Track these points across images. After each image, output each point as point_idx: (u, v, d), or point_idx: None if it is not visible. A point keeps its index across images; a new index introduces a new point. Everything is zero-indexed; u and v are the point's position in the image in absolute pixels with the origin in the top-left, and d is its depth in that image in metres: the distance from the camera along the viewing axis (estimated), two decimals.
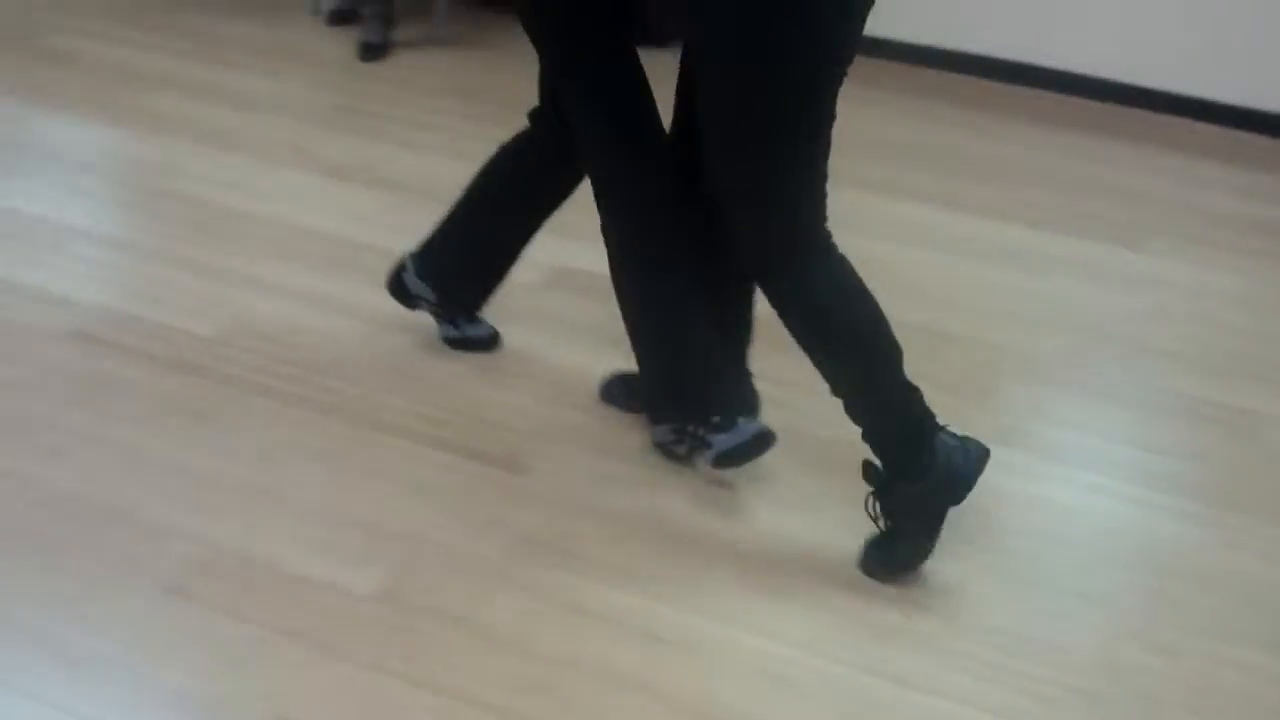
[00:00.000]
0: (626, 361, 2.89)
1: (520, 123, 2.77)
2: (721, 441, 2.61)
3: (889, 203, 4.04)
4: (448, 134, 4.13)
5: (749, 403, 2.75)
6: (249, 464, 2.63)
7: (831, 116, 2.29)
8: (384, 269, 3.03)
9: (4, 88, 4.32)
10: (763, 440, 2.63)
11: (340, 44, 4.92)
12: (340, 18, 5.16)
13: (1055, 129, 4.78)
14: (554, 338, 3.13)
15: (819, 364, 2.46)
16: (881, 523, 2.48)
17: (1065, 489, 2.79)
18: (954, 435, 2.45)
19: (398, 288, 3.02)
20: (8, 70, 4.48)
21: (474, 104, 4.34)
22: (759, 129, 2.25)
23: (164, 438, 2.69)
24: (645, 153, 2.55)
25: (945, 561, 2.52)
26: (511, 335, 3.10)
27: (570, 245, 3.30)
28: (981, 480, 2.50)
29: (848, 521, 2.57)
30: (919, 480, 2.42)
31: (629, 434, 2.81)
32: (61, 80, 4.43)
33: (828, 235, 2.42)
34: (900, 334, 3.11)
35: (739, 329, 2.76)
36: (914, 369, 3.07)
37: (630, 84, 2.52)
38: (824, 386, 2.46)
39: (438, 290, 2.98)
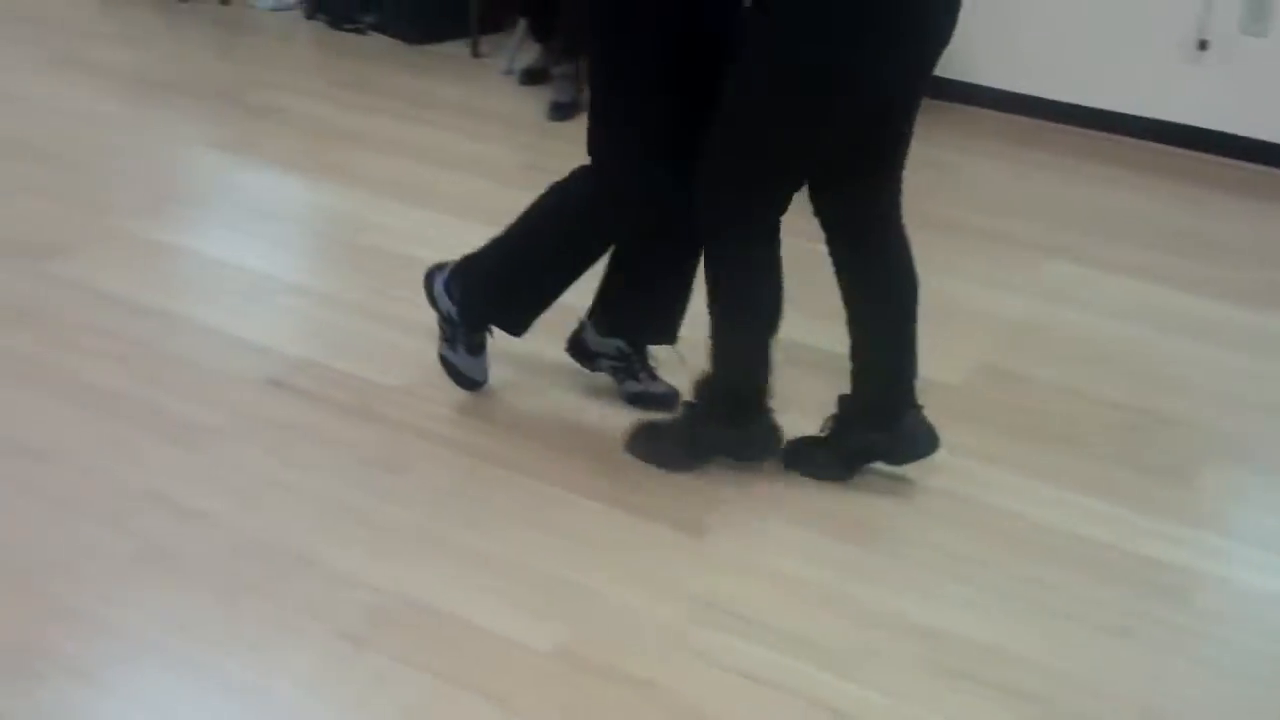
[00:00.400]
0: (811, 427, 2.86)
1: None
2: (459, 357, 2.98)
3: (1098, 274, 3.92)
4: None
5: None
6: (432, 515, 2.66)
7: (835, 144, 2.52)
8: (568, 325, 3.05)
9: (212, 141, 4.50)
10: (471, 383, 3.02)
11: (531, 103, 5.01)
12: (532, 77, 5.26)
13: (1275, 205, 4.61)
14: None
15: (714, 315, 2.69)
16: (670, 418, 2.87)
17: (1268, 576, 2.65)
18: (773, 422, 2.81)
19: (578, 349, 3.04)
20: (216, 124, 4.67)
21: None
22: (764, 127, 2.47)
23: (350, 486, 2.74)
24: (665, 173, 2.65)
25: (1147, 650, 2.41)
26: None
27: None
28: (1181, 563, 2.41)
29: (1030, 604, 2.49)
30: (729, 429, 2.78)
31: (814, 501, 2.77)
32: (265, 135, 4.59)
33: (771, 225, 2.62)
34: (1105, 411, 3.03)
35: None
36: (1116, 449, 2.98)
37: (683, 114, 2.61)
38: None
39: (629, 340, 2.99)
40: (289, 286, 3.47)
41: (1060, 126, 5.03)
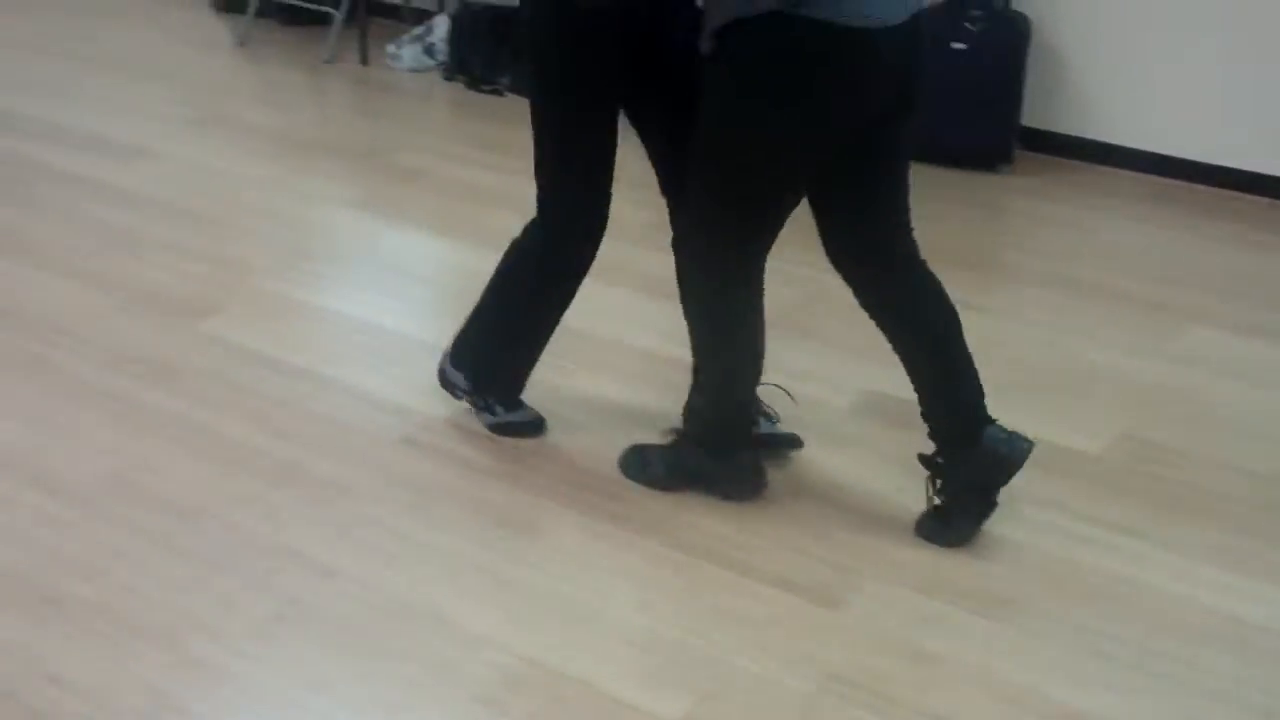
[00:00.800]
0: (905, 481, 2.82)
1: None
2: (505, 416, 3.11)
3: (1240, 340, 3.81)
4: None
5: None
6: (564, 578, 2.67)
7: (782, 180, 2.59)
8: (688, 384, 3.03)
9: (353, 201, 4.60)
10: (534, 428, 3.12)
11: None
12: None
13: None
14: (863, 464, 3.07)
15: (696, 353, 2.85)
16: (668, 438, 2.97)
17: None
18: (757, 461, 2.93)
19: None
20: (357, 184, 4.77)
21: (786, 226, 4.34)
22: (711, 173, 2.60)
23: (485, 546, 2.76)
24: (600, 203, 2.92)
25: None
26: (819, 460, 3.06)
27: (880, 369, 3.24)
28: None
29: (1176, 686, 2.41)
30: (714, 462, 2.87)
31: (948, 571, 2.72)
32: (405, 195, 4.67)
33: (750, 265, 2.73)
34: (1255, 485, 2.94)
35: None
36: (1269, 524, 2.89)
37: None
38: None
39: None
40: (427, 346, 3.51)
41: (1199, 187, 4.92)
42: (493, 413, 3.12)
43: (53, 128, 5.07)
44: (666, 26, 2.67)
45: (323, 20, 6.18)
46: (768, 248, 2.72)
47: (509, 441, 3.11)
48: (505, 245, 4.29)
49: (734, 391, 2.88)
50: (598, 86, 2.75)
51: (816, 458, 3.06)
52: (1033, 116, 5.00)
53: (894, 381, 3.25)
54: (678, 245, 2.79)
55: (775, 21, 2.36)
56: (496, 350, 3.11)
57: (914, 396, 2.74)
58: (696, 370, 2.93)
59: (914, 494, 2.88)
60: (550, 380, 3.31)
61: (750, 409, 2.92)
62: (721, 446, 2.90)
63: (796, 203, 2.66)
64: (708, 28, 2.46)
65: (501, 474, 3.00)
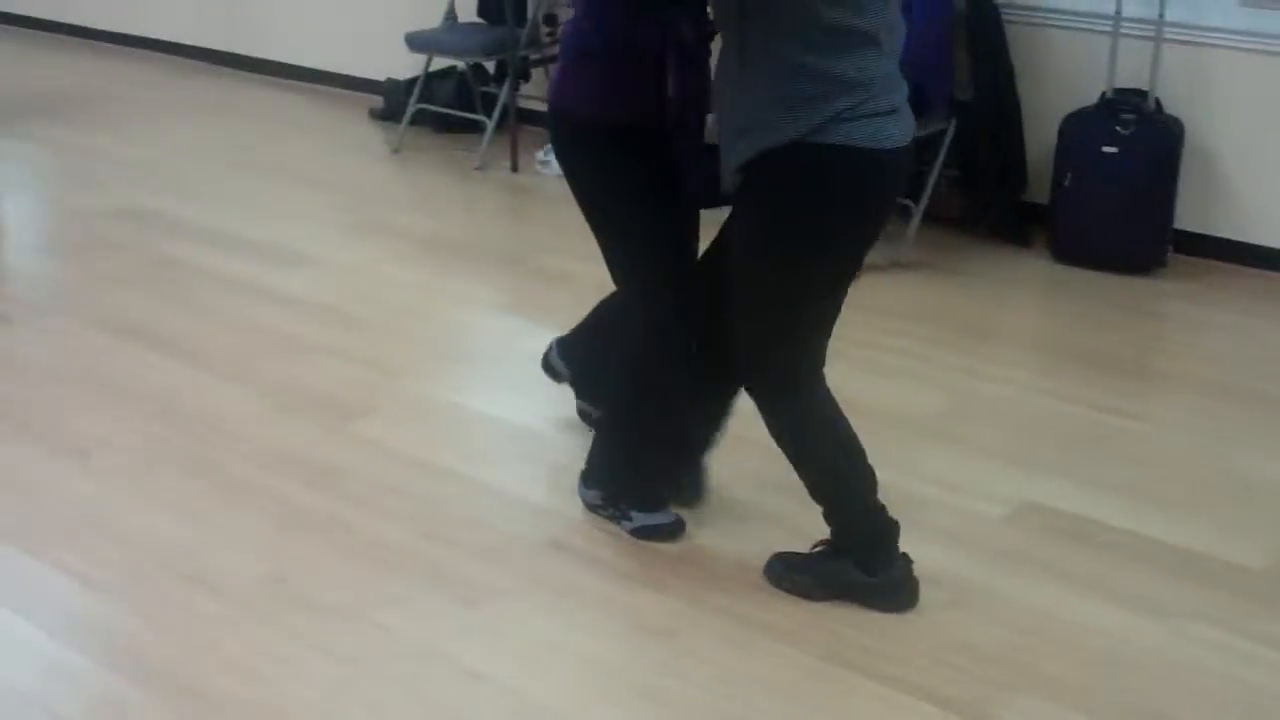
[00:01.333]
0: (1099, 606, 2.74)
1: (978, 348, 2.72)
2: (641, 519, 3.12)
3: None
4: (909, 357, 4.11)
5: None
6: (709, 689, 2.64)
7: (822, 300, 2.74)
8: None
9: (501, 304, 4.68)
10: (674, 529, 3.12)
11: None
12: None
13: None
14: (1020, 577, 3.00)
15: (804, 478, 2.87)
16: (809, 552, 2.94)
17: None
18: (907, 573, 2.87)
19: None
20: (509, 289, 4.86)
21: (936, 328, 4.31)
22: (758, 293, 2.70)
23: (629, 653, 2.75)
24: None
25: None
26: (972, 571, 3.00)
27: (1036, 478, 3.20)
28: None
29: None
30: (862, 574, 2.84)
31: (1101, 686, 2.64)
32: (554, 299, 4.73)
33: (812, 378, 2.81)
34: None
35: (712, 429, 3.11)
36: None
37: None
38: None
39: None
40: (570, 448, 3.55)
41: None
42: (629, 518, 3.14)
43: (215, 233, 5.26)
44: (685, 148, 2.90)
45: (474, 128, 6.36)
46: (823, 359, 2.83)
47: (654, 546, 3.11)
48: None
49: (859, 504, 2.88)
50: (647, 193, 2.93)
51: (968, 569, 3.00)
52: (1186, 219, 4.92)
53: (1051, 491, 3.19)
54: (743, 381, 2.88)
55: (798, 148, 2.53)
56: (618, 457, 3.16)
57: (1075, 509, 2.69)
58: (813, 494, 2.94)
59: (1075, 609, 2.81)
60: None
61: (879, 522, 2.88)
62: (871, 558, 2.87)
63: (834, 317, 2.78)
64: (732, 163, 2.64)
65: (646, 580, 3.00)
